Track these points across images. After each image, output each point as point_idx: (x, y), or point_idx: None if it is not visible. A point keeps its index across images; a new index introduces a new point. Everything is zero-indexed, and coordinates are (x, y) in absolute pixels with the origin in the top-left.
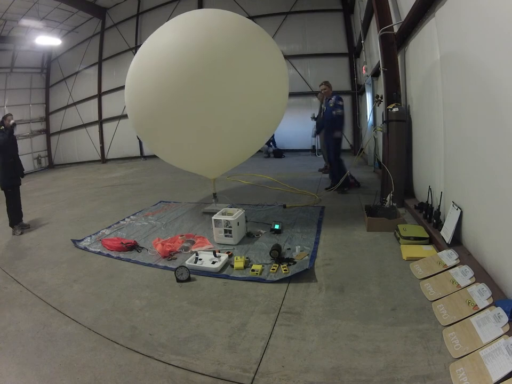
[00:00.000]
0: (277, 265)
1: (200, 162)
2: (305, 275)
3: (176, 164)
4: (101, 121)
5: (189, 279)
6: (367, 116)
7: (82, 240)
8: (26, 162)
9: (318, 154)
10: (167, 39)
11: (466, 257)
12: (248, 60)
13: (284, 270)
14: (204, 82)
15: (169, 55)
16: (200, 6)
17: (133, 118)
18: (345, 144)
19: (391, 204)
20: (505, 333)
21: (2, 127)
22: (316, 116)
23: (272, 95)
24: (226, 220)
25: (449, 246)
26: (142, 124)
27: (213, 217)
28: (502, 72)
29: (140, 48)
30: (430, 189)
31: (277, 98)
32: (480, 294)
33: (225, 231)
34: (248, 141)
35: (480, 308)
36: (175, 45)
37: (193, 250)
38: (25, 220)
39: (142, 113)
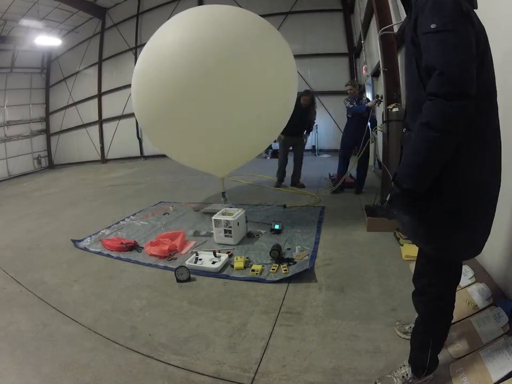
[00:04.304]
0: (277, 265)
1: (209, 160)
2: (305, 275)
3: (185, 163)
4: (101, 121)
5: (189, 279)
6: None
7: (82, 240)
8: (26, 162)
9: (318, 155)
10: (177, 35)
11: None
12: (258, 57)
13: (284, 270)
14: (212, 80)
15: (178, 51)
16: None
17: (141, 118)
18: None
19: None
20: (505, 333)
21: None
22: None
23: (282, 91)
24: (226, 220)
25: None
26: (150, 123)
27: (213, 217)
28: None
29: (148, 42)
30: None
31: (286, 94)
32: (480, 294)
33: (225, 231)
34: (257, 138)
35: (480, 308)
36: (184, 40)
37: (193, 250)
38: (26, 219)
39: (149, 111)
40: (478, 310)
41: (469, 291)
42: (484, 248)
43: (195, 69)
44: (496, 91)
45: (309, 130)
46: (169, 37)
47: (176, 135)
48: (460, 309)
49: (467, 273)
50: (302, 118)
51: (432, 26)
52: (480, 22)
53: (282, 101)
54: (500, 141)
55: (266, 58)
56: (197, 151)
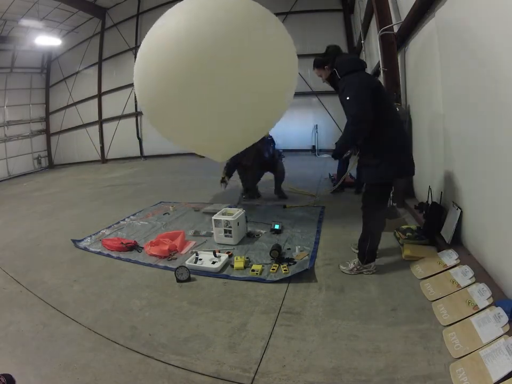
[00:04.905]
0: (277, 265)
1: (209, 142)
2: (305, 275)
3: (184, 145)
4: (101, 121)
5: (189, 279)
6: None
7: (82, 240)
8: (26, 162)
9: (318, 155)
10: (180, 20)
11: (466, 257)
12: (262, 40)
13: (284, 270)
14: (213, 64)
15: (181, 35)
16: None
17: (142, 97)
18: None
19: (391, 204)
20: (505, 333)
21: None
22: None
23: (281, 74)
24: (226, 220)
25: (449, 246)
26: (151, 103)
27: (213, 217)
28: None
29: (152, 28)
30: (430, 189)
31: (285, 77)
32: (480, 294)
33: (225, 231)
34: (255, 121)
35: (480, 308)
36: (187, 25)
37: (193, 250)
38: (26, 219)
39: (150, 90)
40: (478, 310)
41: (469, 291)
42: (484, 248)
43: (197, 52)
44: (389, 107)
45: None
46: (174, 22)
47: (176, 116)
48: (460, 309)
49: (467, 273)
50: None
51: (347, 98)
52: (370, 76)
53: (282, 82)
54: (397, 124)
55: (268, 41)
56: (197, 133)
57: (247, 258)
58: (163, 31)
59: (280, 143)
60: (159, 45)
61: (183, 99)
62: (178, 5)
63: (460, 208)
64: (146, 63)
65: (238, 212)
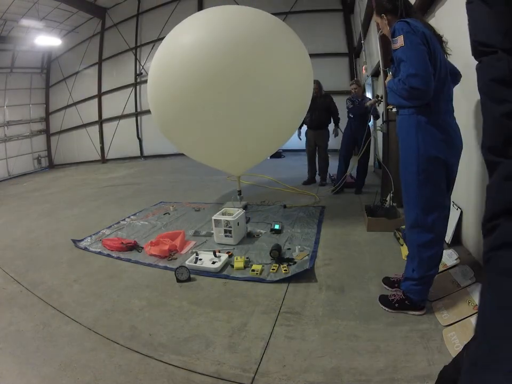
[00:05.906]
0: (277, 265)
1: (226, 158)
2: (305, 275)
3: (202, 161)
4: (101, 121)
5: (189, 279)
6: None
7: (82, 240)
8: (26, 162)
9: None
10: (198, 32)
11: (466, 257)
12: (279, 54)
13: (284, 270)
14: (234, 77)
15: (198, 49)
16: (200, 6)
17: (158, 113)
18: None
19: (391, 204)
20: None
21: None
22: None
23: (300, 86)
24: (226, 220)
25: (449, 246)
26: (168, 119)
27: (213, 217)
28: None
29: (166, 38)
30: None
31: (304, 89)
32: None
33: (225, 231)
34: (273, 135)
35: None
36: (206, 38)
37: (193, 250)
38: (26, 219)
39: (168, 108)
40: None
41: (469, 291)
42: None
43: (214, 67)
44: None
45: (335, 122)
46: (193, 34)
47: (195, 134)
48: (460, 308)
49: (467, 273)
50: (318, 111)
51: None
52: None
53: (300, 97)
54: None
55: (286, 55)
56: (215, 150)
57: (247, 258)
58: (180, 43)
59: None
60: (175, 58)
61: (198, 114)
62: (192, 18)
63: (459, 208)
64: (160, 77)
65: (238, 212)
